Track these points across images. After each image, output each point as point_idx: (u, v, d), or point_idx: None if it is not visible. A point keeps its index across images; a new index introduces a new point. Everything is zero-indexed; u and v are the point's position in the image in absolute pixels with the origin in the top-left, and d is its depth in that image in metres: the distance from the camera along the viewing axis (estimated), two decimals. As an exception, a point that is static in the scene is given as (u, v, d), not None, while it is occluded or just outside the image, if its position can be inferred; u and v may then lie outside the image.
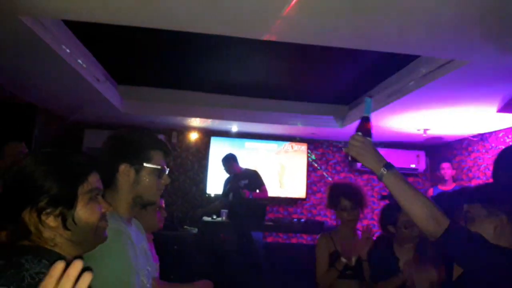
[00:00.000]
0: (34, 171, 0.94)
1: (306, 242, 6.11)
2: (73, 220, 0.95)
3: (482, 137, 5.25)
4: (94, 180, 1.02)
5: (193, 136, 6.23)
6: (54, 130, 5.13)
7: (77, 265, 0.68)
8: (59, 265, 0.68)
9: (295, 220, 5.61)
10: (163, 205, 2.36)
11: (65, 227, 0.94)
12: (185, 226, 5.30)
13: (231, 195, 5.00)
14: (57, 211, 0.93)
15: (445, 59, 3.02)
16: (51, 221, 0.92)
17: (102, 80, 4.10)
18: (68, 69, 3.32)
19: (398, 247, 2.26)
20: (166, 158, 1.37)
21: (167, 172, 1.37)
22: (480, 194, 1.42)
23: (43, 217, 0.92)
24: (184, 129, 6.15)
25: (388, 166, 1.30)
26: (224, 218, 5.30)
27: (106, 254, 1.10)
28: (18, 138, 3.10)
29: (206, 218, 5.47)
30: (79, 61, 3.42)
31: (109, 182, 1.27)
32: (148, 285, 1.28)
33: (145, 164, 1.30)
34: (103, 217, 1.03)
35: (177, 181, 6.10)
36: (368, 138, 1.37)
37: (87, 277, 0.68)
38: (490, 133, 5.09)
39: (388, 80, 4.05)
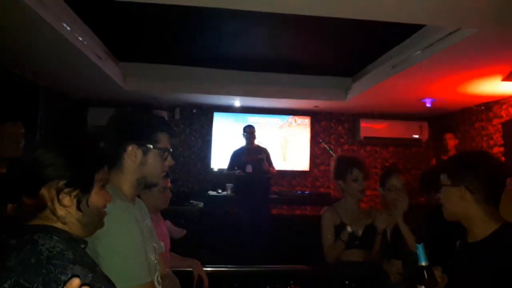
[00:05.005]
0: (62, 154, 1.02)
1: (310, 213, 6.19)
2: (86, 202, 1.03)
3: (486, 107, 5.22)
4: (106, 170, 1.12)
5: (196, 112, 6.22)
6: (58, 108, 5.12)
7: None
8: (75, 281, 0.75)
9: (299, 192, 5.68)
10: (169, 184, 2.39)
11: (78, 208, 1.02)
12: (191, 201, 5.38)
13: (249, 167, 4.98)
14: (75, 193, 1.01)
15: (451, 28, 2.97)
16: (67, 200, 1.00)
17: (103, 57, 4.06)
18: (69, 47, 3.28)
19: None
20: (171, 140, 1.40)
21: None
22: (448, 165, 1.53)
23: (61, 196, 0.99)
24: (187, 105, 6.13)
25: None
26: (229, 192, 5.37)
27: (116, 227, 1.16)
28: (23, 118, 3.06)
29: (211, 192, 5.55)
30: (80, 38, 3.38)
31: (115, 161, 1.30)
32: (155, 261, 1.33)
33: (152, 146, 1.33)
34: (105, 205, 1.11)
35: (182, 157, 6.14)
36: None
37: None
38: (494, 103, 5.06)
39: (393, 50, 4.00)
